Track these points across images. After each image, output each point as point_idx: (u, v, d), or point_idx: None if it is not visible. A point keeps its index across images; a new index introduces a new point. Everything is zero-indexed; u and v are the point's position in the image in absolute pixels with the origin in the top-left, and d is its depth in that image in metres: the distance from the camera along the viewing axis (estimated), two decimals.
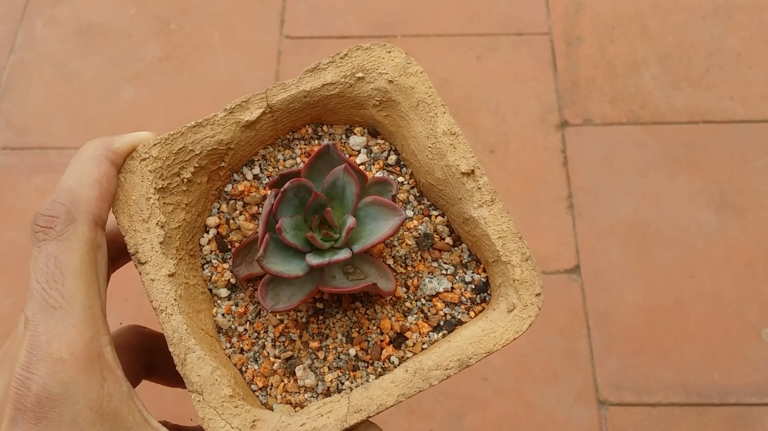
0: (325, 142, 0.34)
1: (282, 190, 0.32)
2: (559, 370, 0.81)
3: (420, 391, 0.31)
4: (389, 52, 0.36)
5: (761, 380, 0.80)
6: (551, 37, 1.02)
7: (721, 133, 0.94)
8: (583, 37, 1.01)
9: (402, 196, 0.36)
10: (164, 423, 0.34)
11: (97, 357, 0.28)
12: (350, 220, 0.32)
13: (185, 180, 0.35)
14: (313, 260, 0.32)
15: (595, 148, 0.93)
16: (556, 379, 0.81)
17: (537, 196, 0.90)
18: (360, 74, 0.36)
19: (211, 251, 0.36)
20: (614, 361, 0.81)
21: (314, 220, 0.33)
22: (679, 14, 1.03)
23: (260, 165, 0.37)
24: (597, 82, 0.98)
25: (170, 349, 0.31)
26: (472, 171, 0.34)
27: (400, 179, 0.36)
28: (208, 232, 0.36)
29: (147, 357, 0.36)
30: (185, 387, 0.32)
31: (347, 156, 0.37)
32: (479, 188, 0.34)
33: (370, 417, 0.30)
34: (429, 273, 0.35)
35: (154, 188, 0.34)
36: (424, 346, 0.34)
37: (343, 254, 0.32)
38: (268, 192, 0.34)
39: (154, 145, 0.34)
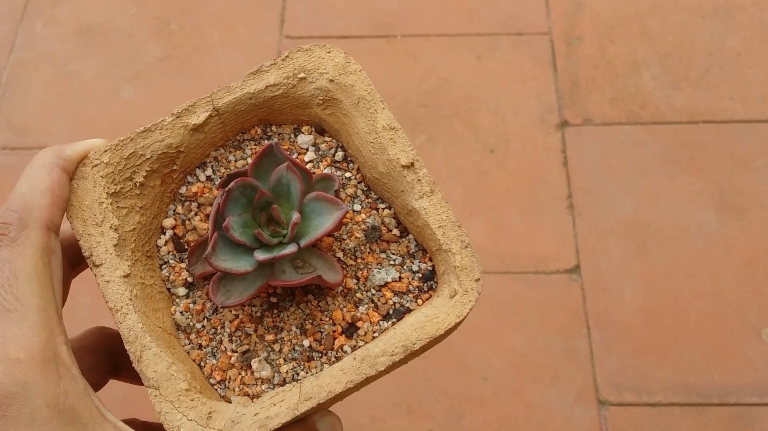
0: (269, 141, 0.36)
1: (227, 189, 0.34)
2: (559, 370, 0.81)
3: (367, 377, 0.32)
4: (329, 53, 0.38)
5: (761, 380, 0.80)
6: (551, 37, 1.02)
7: (721, 133, 0.94)
8: (583, 37, 1.01)
9: (350, 190, 0.37)
10: (133, 421, 0.35)
11: (52, 357, 0.29)
12: (295, 216, 0.33)
13: (138, 184, 0.36)
14: (260, 255, 0.33)
15: (595, 148, 0.93)
16: (556, 379, 0.81)
17: (537, 196, 0.90)
18: (302, 75, 0.37)
19: (169, 252, 0.37)
20: (614, 361, 0.81)
21: (262, 218, 0.35)
22: (679, 14, 1.03)
23: (212, 166, 0.38)
24: (597, 82, 0.98)
25: (126, 347, 0.32)
26: (412, 163, 0.35)
27: (348, 174, 0.38)
28: (164, 234, 0.37)
29: (112, 358, 0.37)
30: None
31: (295, 155, 0.38)
32: (419, 180, 0.35)
33: (320, 403, 0.31)
34: (378, 264, 0.36)
35: (107, 193, 0.35)
36: (375, 335, 0.35)
37: (290, 248, 0.33)
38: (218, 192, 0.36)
39: (105, 151, 0.35)
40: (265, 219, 0.35)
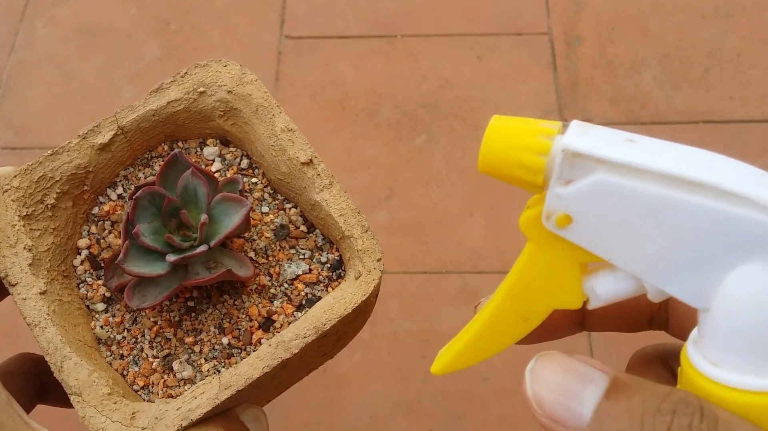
0: (174, 151, 0.37)
1: (135, 197, 0.35)
2: None
3: (283, 360, 0.33)
4: (225, 66, 0.39)
5: None
6: (551, 37, 1.02)
7: (721, 133, 0.94)
8: (583, 37, 1.01)
9: (257, 194, 0.39)
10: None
11: None
12: (203, 217, 0.35)
13: (49, 206, 0.37)
14: (172, 257, 0.34)
15: None
16: None
17: None
18: (201, 89, 0.39)
19: (85, 271, 0.38)
20: (614, 361, 0.81)
21: (172, 223, 0.36)
22: (679, 14, 1.03)
23: (123, 185, 0.39)
24: (597, 82, 0.98)
25: (47, 359, 0.33)
26: (310, 160, 0.37)
27: (254, 180, 0.39)
28: (80, 254, 0.38)
29: (38, 382, 0.38)
30: None
31: (203, 166, 0.39)
32: (318, 174, 0.37)
33: (239, 390, 0.32)
34: (288, 259, 0.38)
35: (19, 215, 0.36)
36: (290, 325, 0.36)
37: (200, 249, 0.35)
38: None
39: (15, 176, 0.37)
40: (176, 224, 0.36)
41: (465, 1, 1.05)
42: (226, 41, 1.03)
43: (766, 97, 0.96)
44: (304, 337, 0.33)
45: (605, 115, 0.95)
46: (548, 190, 0.24)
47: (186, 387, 0.35)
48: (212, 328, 0.37)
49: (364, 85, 0.99)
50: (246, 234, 0.38)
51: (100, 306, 0.37)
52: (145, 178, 0.39)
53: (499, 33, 1.02)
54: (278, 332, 0.36)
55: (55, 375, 0.33)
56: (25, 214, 0.36)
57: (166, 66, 1.01)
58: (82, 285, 0.38)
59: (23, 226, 0.36)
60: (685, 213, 0.22)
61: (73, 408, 0.34)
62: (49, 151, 0.37)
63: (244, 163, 0.40)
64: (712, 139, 0.93)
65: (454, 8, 1.04)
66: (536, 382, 0.25)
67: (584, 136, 0.23)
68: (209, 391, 0.32)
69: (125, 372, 0.36)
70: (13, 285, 0.35)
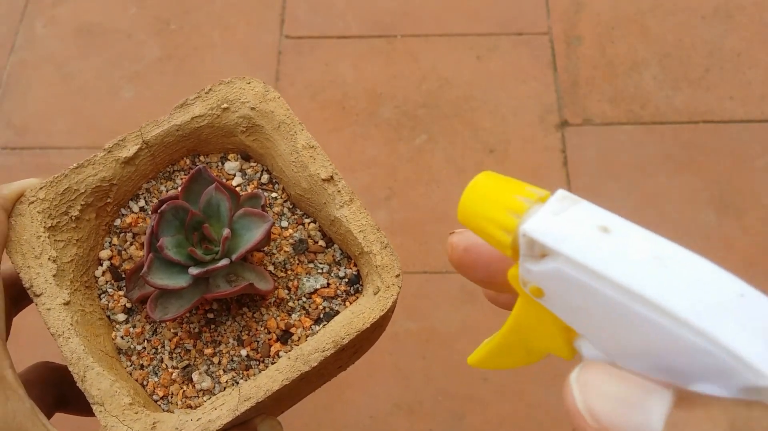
0: (198, 166, 0.38)
1: (160, 211, 0.35)
2: (559, 370, 0.81)
3: (301, 373, 0.33)
4: (249, 83, 0.40)
5: None
6: (551, 37, 1.02)
7: (721, 132, 0.94)
8: (582, 37, 1.01)
9: (277, 209, 0.40)
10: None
11: None
12: (225, 232, 0.35)
13: (73, 218, 0.38)
14: (194, 270, 0.35)
15: (595, 147, 0.93)
16: (557, 379, 0.81)
17: None
18: (225, 105, 0.39)
19: (107, 281, 0.39)
20: None
21: (195, 237, 0.36)
22: (679, 14, 1.03)
23: (145, 198, 0.40)
24: (597, 82, 0.98)
25: (70, 369, 0.34)
26: (331, 177, 0.37)
27: (274, 195, 0.40)
28: (102, 265, 0.39)
29: (58, 390, 0.38)
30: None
31: (224, 180, 0.40)
32: (339, 191, 0.37)
33: (259, 402, 0.33)
34: (307, 273, 0.38)
35: (44, 227, 0.37)
36: (309, 339, 0.37)
37: (222, 262, 0.35)
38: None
39: (41, 188, 0.37)
40: (198, 238, 0.37)
41: (465, 1, 1.05)
42: (226, 41, 1.03)
43: (766, 97, 0.96)
44: (323, 351, 0.34)
45: (605, 115, 0.95)
46: (519, 262, 0.23)
47: (205, 398, 0.36)
48: (231, 340, 0.37)
49: (364, 85, 0.99)
50: (265, 248, 0.38)
51: (121, 317, 0.38)
52: (167, 191, 0.40)
53: (499, 33, 1.02)
54: (296, 345, 0.36)
55: (78, 384, 0.34)
56: (50, 225, 0.37)
57: (166, 66, 1.01)
58: (103, 295, 0.38)
59: (48, 237, 0.36)
60: (642, 325, 0.20)
61: (91, 416, 0.34)
62: (74, 164, 0.38)
63: (265, 177, 0.40)
64: (712, 139, 0.93)
65: (454, 8, 1.04)
66: (589, 392, 0.21)
67: (553, 218, 0.22)
68: (229, 403, 0.33)
69: (145, 383, 0.36)
70: (38, 296, 0.35)
